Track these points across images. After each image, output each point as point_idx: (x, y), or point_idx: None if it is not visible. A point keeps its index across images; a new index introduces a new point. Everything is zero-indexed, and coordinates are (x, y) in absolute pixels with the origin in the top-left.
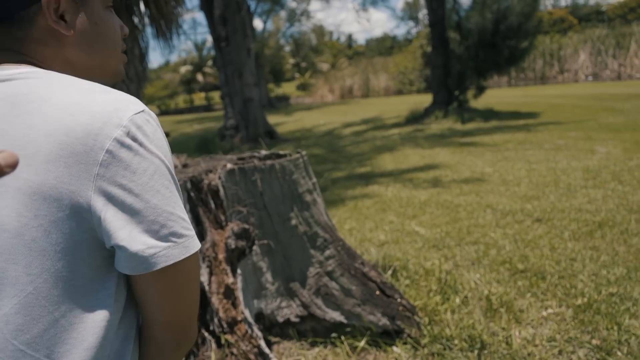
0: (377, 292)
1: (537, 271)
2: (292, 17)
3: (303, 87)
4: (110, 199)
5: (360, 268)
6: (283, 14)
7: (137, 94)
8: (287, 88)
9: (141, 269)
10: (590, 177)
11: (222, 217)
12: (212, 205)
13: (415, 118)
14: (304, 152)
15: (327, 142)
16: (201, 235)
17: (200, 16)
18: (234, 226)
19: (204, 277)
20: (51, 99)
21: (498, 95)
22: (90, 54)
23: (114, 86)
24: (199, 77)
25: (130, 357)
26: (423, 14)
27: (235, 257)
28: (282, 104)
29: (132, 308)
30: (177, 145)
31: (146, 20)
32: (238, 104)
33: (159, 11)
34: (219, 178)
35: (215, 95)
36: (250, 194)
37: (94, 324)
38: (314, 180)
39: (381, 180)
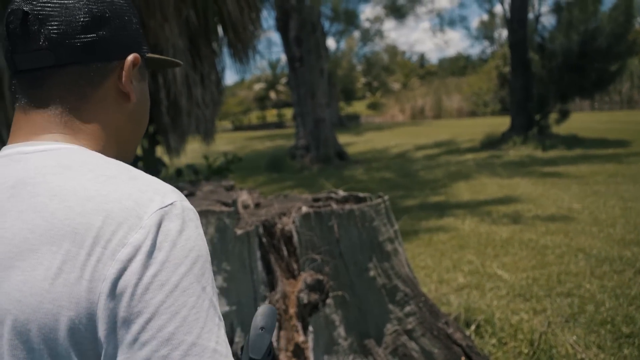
0: (463, 358)
1: None
2: (366, 37)
3: (374, 107)
4: (114, 325)
5: (444, 328)
6: (356, 34)
7: (212, 118)
8: (358, 107)
9: None
10: None
11: (295, 266)
12: (285, 253)
13: (491, 143)
14: (386, 197)
15: (399, 165)
16: (272, 285)
17: (275, 36)
18: (307, 277)
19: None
20: (61, 191)
21: (581, 120)
22: (136, 127)
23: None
24: (272, 94)
25: None
26: (499, 33)
27: (308, 312)
28: (352, 123)
29: None
30: (248, 163)
31: (223, 44)
32: (309, 124)
33: (237, 36)
34: (293, 222)
35: (287, 113)
36: (325, 241)
37: None
38: (396, 227)
39: (457, 212)
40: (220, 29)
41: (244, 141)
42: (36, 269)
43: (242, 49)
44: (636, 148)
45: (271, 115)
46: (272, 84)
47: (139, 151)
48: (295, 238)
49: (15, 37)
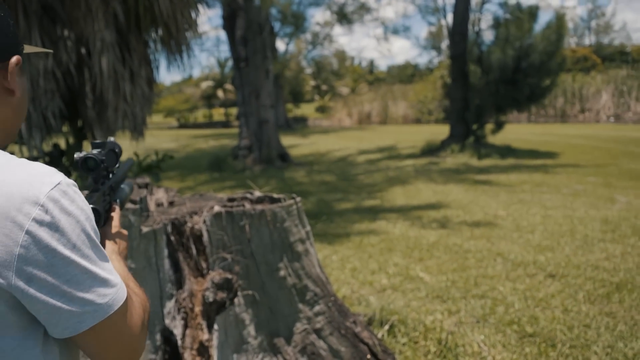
0: (369, 356)
1: (547, 337)
2: (315, 41)
3: (322, 110)
4: (31, 279)
5: (352, 327)
6: (306, 37)
7: (143, 114)
8: (306, 109)
9: (70, 332)
10: (609, 230)
11: (204, 265)
12: (194, 251)
13: (431, 150)
14: (298, 199)
15: (340, 169)
16: (179, 283)
17: (222, 34)
18: (215, 275)
19: (178, 330)
20: None
21: (517, 131)
22: (19, 116)
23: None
24: (220, 93)
25: None
26: (446, 44)
27: (214, 311)
28: (299, 125)
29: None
30: (190, 162)
31: (157, 39)
32: (253, 124)
33: (169, 34)
34: (204, 222)
35: (234, 112)
36: (237, 240)
37: None
38: (308, 228)
39: (389, 216)
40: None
41: (188, 139)
42: None
43: (177, 47)
44: (564, 160)
45: (218, 114)
46: (220, 83)
47: (62, 145)
48: (205, 237)
49: None
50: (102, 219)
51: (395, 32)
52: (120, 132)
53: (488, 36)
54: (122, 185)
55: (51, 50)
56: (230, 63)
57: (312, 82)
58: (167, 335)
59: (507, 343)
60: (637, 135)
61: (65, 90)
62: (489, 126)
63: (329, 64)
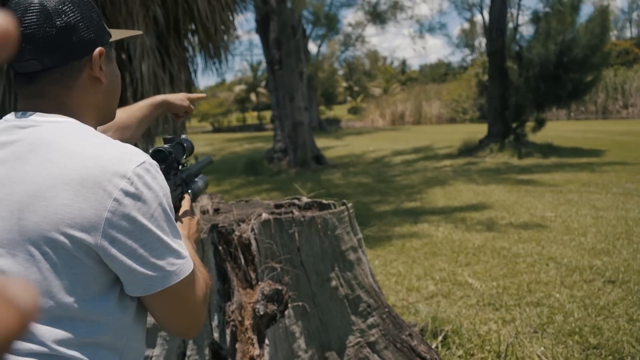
0: None
1: (613, 349)
2: (347, 42)
3: (354, 111)
4: (114, 241)
5: (408, 341)
6: (338, 38)
7: (183, 120)
8: (339, 111)
9: (141, 292)
10: None
11: (253, 275)
12: (242, 261)
13: (468, 150)
14: (349, 204)
15: (376, 170)
16: (227, 295)
17: (256, 37)
18: (264, 287)
19: (227, 344)
20: (69, 151)
21: (557, 128)
22: (110, 100)
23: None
24: (253, 96)
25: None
26: (479, 41)
27: (264, 324)
28: (332, 126)
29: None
30: (226, 164)
31: (195, 43)
32: (288, 127)
33: (208, 37)
34: (252, 230)
35: (267, 115)
36: (286, 249)
37: (107, 326)
38: (360, 236)
39: (431, 219)
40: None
41: (222, 143)
42: (55, 199)
43: (215, 50)
44: (609, 157)
45: (251, 117)
46: (253, 86)
47: None
48: (254, 246)
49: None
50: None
51: (431, 29)
52: (160, 136)
53: (526, 31)
54: (197, 179)
55: (140, 32)
56: (263, 66)
57: (344, 84)
58: (216, 350)
59: (570, 355)
60: None
61: None
62: (529, 124)
63: (361, 64)
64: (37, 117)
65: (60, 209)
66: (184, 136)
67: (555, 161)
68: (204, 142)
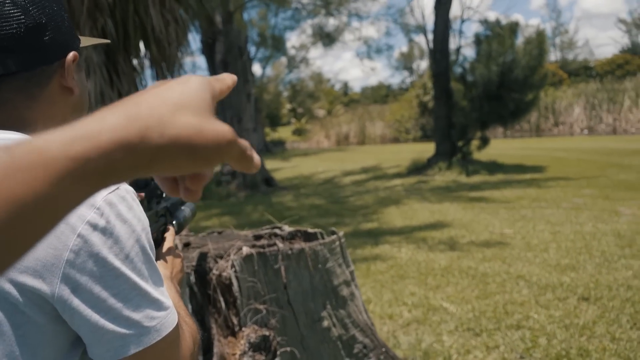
0: None
1: None
2: (292, 64)
3: (299, 132)
4: (77, 288)
5: None
6: (283, 60)
7: None
8: (283, 132)
9: (111, 356)
10: (625, 245)
11: (235, 320)
12: (223, 305)
13: (417, 169)
14: (341, 233)
15: (328, 191)
16: (206, 346)
17: (200, 60)
18: (250, 333)
19: None
20: None
21: (497, 146)
22: (79, 114)
23: None
24: None
25: None
26: (417, 64)
27: None
28: (278, 148)
29: None
30: None
31: (146, 62)
32: None
33: (161, 53)
34: (232, 267)
35: None
36: (271, 287)
37: None
38: (352, 268)
39: (392, 239)
40: (142, 45)
41: None
42: None
43: (167, 68)
44: (551, 173)
45: None
46: None
47: None
48: (235, 286)
49: None
50: (160, 239)
51: (378, 50)
52: None
53: (468, 53)
54: (183, 207)
55: (108, 40)
56: None
57: (289, 105)
58: None
59: None
60: (615, 146)
61: None
62: (475, 142)
63: (305, 86)
64: None
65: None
66: None
67: (501, 178)
68: None
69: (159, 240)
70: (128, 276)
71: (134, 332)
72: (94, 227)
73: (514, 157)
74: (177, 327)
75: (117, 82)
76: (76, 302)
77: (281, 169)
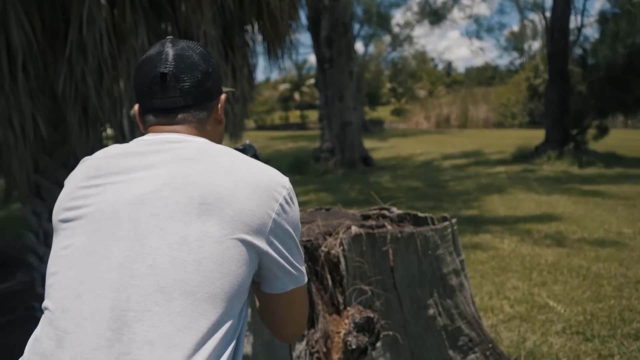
0: None
1: None
2: (395, 42)
3: (398, 113)
4: (277, 237)
5: None
6: (386, 38)
7: (242, 114)
8: (382, 112)
9: (280, 289)
10: None
11: (340, 299)
12: (329, 283)
13: (523, 156)
14: (454, 220)
15: (426, 174)
16: (311, 321)
17: (302, 37)
18: (354, 314)
19: None
20: (240, 158)
21: (617, 137)
22: (221, 138)
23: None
24: (296, 95)
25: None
26: (529, 44)
27: (354, 359)
28: (376, 128)
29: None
30: (271, 163)
31: (257, 37)
32: (336, 127)
33: (274, 29)
34: (341, 246)
35: (310, 114)
36: (377, 269)
37: (234, 320)
38: (462, 257)
39: (494, 229)
40: (255, 20)
41: (266, 141)
42: (237, 194)
43: (278, 43)
44: None
45: (294, 116)
46: (297, 85)
47: None
48: (343, 264)
49: (155, 89)
50: None
51: (489, 29)
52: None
53: (591, 33)
54: None
55: (234, 89)
56: (307, 65)
57: (389, 85)
58: None
59: None
60: None
61: None
62: (591, 131)
63: (407, 65)
64: (184, 137)
65: (241, 201)
66: (247, 142)
67: (620, 171)
68: (248, 139)
69: None
70: (295, 239)
71: (296, 276)
72: (286, 201)
73: (635, 149)
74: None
75: (232, 56)
76: (271, 250)
77: (379, 148)
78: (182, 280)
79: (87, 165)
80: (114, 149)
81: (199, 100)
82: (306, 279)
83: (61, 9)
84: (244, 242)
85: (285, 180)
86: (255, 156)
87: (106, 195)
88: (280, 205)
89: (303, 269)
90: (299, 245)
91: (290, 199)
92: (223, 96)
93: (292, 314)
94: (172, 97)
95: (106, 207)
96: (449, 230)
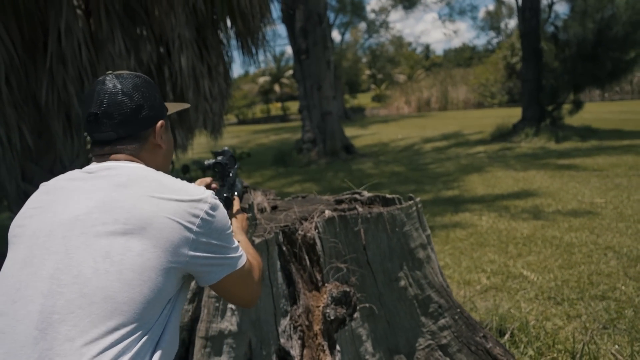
0: None
1: None
2: (372, 29)
3: (379, 99)
4: (201, 245)
5: (483, 343)
6: (362, 25)
7: (220, 112)
8: (363, 99)
9: (216, 279)
10: None
11: (318, 276)
12: (307, 262)
13: (502, 135)
14: (417, 199)
15: (407, 158)
16: (293, 298)
17: (280, 28)
18: (332, 289)
19: (296, 350)
20: (163, 181)
21: (592, 110)
22: (167, 161)
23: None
24: (277, 87)
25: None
26: (505, 23)
27: (334, 328)
28: (357, 115)
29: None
30: (254, 157)
31: (231, 34)
32: (316, 117)
33: (246, 26)
34: (316, 229)
35: (292, 106)
36: (351, 248)
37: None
38: (428, 232)
39: (473, 207)
40: (228, 20)
41: (249, 135)
42: (159, 215)
43: (251, 40)
44: None
45: (275, 108)
46: (276, 77)
47: None
48: (319, 245)
49: (92, 125)
50: (231, 205)
51: (462, 12)
52: (197, 130)
53: (561, 10)
54: (237, 182)
55: (188, 105)
56: (286, 57)
57: (368, 72)
58: (283, 356)
59: None
60: None
61: None
62: (566, 107)
63: (385, 51)
64: (120, 164)
65: (165, 219)
66: (225, 148)
67: (595, 144)
68: (230, 135)
69: (230, 205)
70: (223, 237)
71: (229, 262)
72: (207, 214)
73: (610, 121)
74: (247, 261)
75: (207, 56)
76: (199, 254)
77: (361, 136)
78: (103, 287)
79: (40, 189)
80: (66, 175)
81: (131, 131)
82: (241, 263)
83: (39, 22)
84: (165, 253)
85: (206, 195)
86: (232, 157)
87: (47, 215)
88: (202, 219)
89: (234, 255)
90: (229, 239)
91: (212, 210)
92: (159, 123)
93: (240, 292)
94: (105, 131)
95: (44, 226)
96: (414, 208)
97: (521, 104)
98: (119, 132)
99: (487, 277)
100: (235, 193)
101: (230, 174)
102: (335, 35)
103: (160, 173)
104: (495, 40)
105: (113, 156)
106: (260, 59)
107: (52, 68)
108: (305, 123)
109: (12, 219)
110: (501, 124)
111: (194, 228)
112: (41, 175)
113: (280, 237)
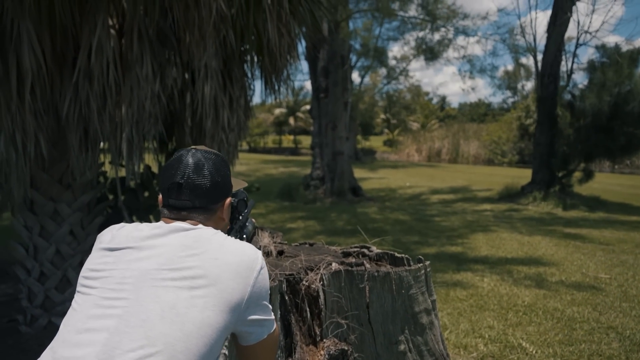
0: None
1: None
2: (391, 75)
3: (390, 144)
4: (252, 304)
5: None
6: (382, 71)
7: (236, 143)
8: (375, 142)
9: (255, 340)
10: None
11: (317, 330)
12: (308, 315)
13: (510, 195)
14: (427, 262)
15: (413, 207)
16: (289, 350)
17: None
18: (330, 345)
19: None
20: (224, 243)
21: (602, 181)
22: (224, 228)
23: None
24: (291, 120)
25: None
26: (522, 84)
27: None
28: (368, 157)
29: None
30: (261, 187)
31: (256, 67)
32: (327, 155)
33: (272, 63)
34: (321, 281)
35: (303, 140)
36: (354, 304)
37: None
38: (434, 297)
39: (475, 267)
40: (254, 54)
41: (258, 164)
42: (222, 276)
43: (275, 77)
44: None
45: (287, 140)
46: (292, 110)
47: (155, 169)
48: (322, 298)
49: (173, 192)
50: None
51: (482, 70)
52: None
53: (579, 79)
54: (247, 223)
55: (246, 184)
56: (303, 92)
57: (383, 116)
58: None
59: None
60: None
61: (167, 114)
62: (576, 174)
63: (402, 98)
64: (188, 226)
65: (226, 280)
66: (241, 189)
67: (603, 216)
68: (239, 162)
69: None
70: (266, 303)
71: (267, 326)
72: (259, 272)
73: (620, 194)
74: (277, 325)
75: (230, 87)
76: (248, 314)
77: (369, 179)
78: (166, 334)
79: (113, 235)
80: (134, 228)
81: (205, 204)
82: (275, 325)
83: (72, 37)
84: (222, 313)
85: (258, 254)
86: (244, 202)
87: (120, 265)
88: (255, 277)
89: (271, 316)
90: (268, 298)
91: (262, 268)
92: (228, 200)
93: (268, 356)
94: (183, 200)
95: (117, 274)
96: (423, 272)
97: (531, 165)
98: (194, 203)
99: (485, 343)
100: (244, 236)
101: (240, 217)
102: (355, 76)
103: (223, 235)
104: (510, 100)
105: (187, 221)
106: (283, 94)
107: (77, 83)
108: (316, 160)
109: (12, 220)
110: (510, 184)
111: (249, 287)
112: (49, 184)
113: (284, 285)
